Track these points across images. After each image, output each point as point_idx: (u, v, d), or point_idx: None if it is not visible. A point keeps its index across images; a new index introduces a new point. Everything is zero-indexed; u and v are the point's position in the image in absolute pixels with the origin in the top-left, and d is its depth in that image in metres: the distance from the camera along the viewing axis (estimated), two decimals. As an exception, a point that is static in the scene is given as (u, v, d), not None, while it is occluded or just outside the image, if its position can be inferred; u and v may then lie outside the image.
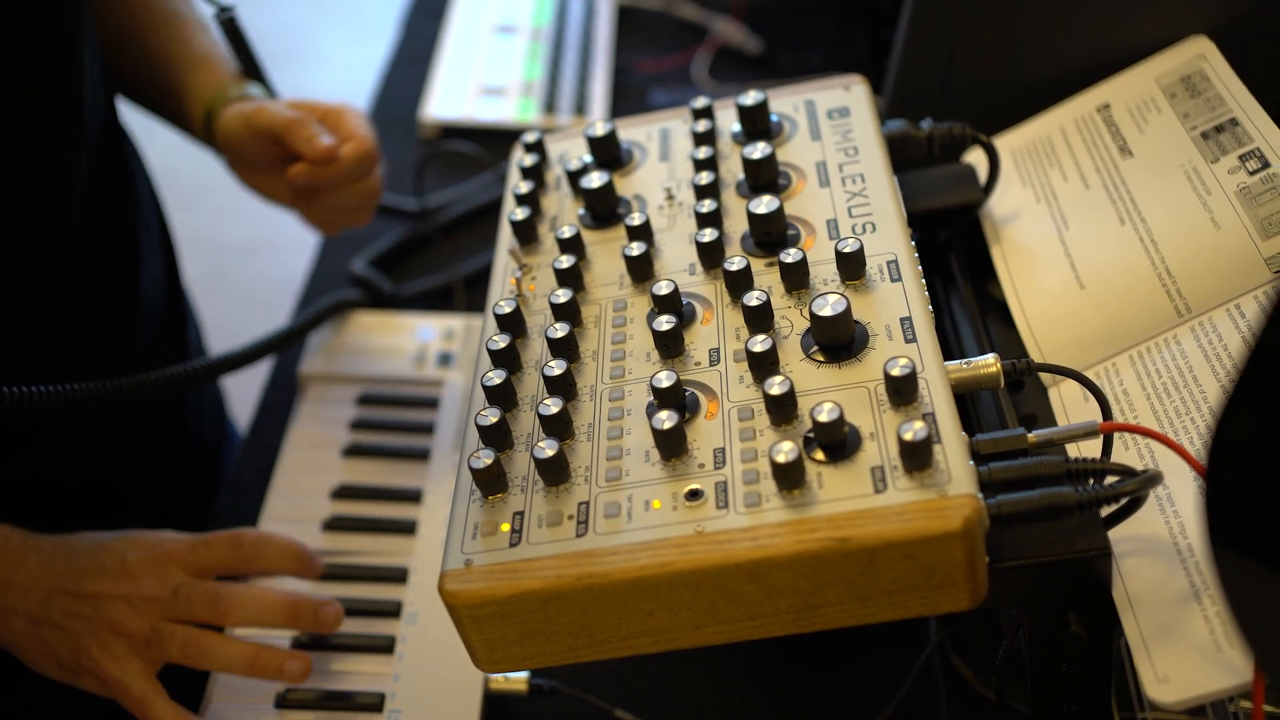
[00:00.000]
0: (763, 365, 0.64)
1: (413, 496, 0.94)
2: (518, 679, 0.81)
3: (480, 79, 1.39)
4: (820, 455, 0.60)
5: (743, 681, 0.85)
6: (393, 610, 0.86)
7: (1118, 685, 0.69)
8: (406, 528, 0.92)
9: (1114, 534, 0.62)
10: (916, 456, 0.57)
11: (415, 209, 1.20)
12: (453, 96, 1.36)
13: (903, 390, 0.60)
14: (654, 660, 0.85)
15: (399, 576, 0.88)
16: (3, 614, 0.78)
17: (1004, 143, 0.88)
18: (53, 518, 0.92)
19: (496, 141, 1.29)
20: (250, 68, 0.99)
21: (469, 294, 1.14)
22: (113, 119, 0.95)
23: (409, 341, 1.06)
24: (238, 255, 2.79)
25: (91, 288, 0.92)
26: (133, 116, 1.03)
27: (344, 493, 0.95)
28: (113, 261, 0.94)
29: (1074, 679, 0.65)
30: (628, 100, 1.38)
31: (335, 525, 0.93)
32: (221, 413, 1.20)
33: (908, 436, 0.57)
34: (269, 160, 0.94)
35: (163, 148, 1.03)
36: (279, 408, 1.06)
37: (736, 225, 0.75)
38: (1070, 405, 0.73)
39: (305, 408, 1.02)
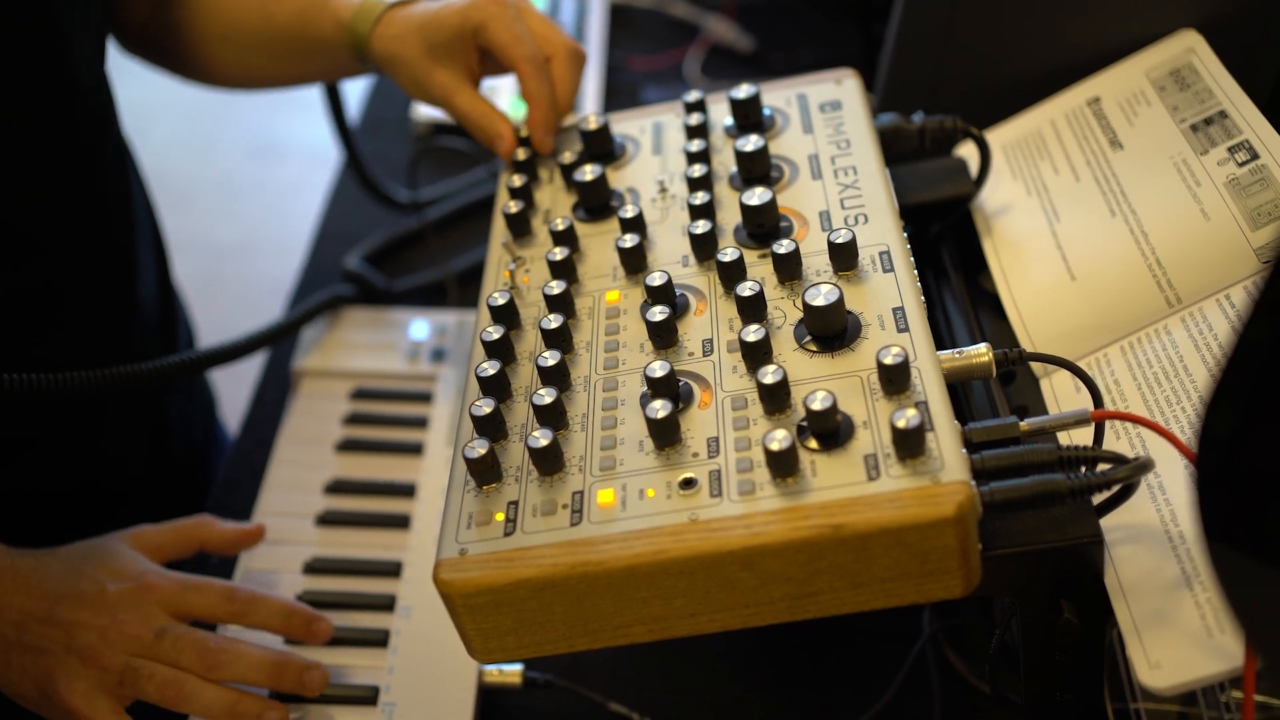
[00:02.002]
0: (756, 355, 0.65)
1: (406, 491, 0.94)
2: (512, 671, 0.82)
3: (473, 77, 1.39)
4: (814, 444, 0.60)
5: (737, 674, 0.85)
6: (386, 604, 0.86)
7: (1111, 676, 0.69)
8: (400, 522, 0.92)
9: (1106, 522, 0.62)
10: (909, 444, 0.58)
11: (406, 200, 1.19)
12: (445, 94, 1.36)
13: (895, 379, 0.61)
14: (648, 653, 0.85)
15: (393, 570, 0.88)
16: None
17: (995, 137, 0.88)
18: (37, 522, 0.92)
19: (489, 139, 1.29)
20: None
21: (462, 290, 1.14)
22: (111, 117, 0.94)
23: (402, 337, 1.06)
24: (230, 256, 2.79)
25: (86, 289, 0.91)
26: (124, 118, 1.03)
27: (337, 487, 0.95)
28: (107, 263, 0.94)
29: (1067, 668, 0.66)
30: (620, 97, 1.38)
31: (329, 520, 0.93)
32: (212, 417, 1.20)
33: (900, 424, 0.57)
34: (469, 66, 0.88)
35: (155, 150, 1.03)
36: (272, 404, 1.06)
37: (729, 218, 0.75)
38: (1062, 396, 0.73)
39: (298, 403, 1.02)
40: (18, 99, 0.81)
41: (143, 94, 0.95)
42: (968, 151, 0.88)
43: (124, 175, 0.95)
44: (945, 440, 0.58)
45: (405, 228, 1.20)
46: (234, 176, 3.04)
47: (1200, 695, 0.68)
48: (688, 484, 0.61)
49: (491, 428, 0.66)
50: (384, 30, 0.87)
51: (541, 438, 0.63)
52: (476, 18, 0.84)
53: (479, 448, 0.64)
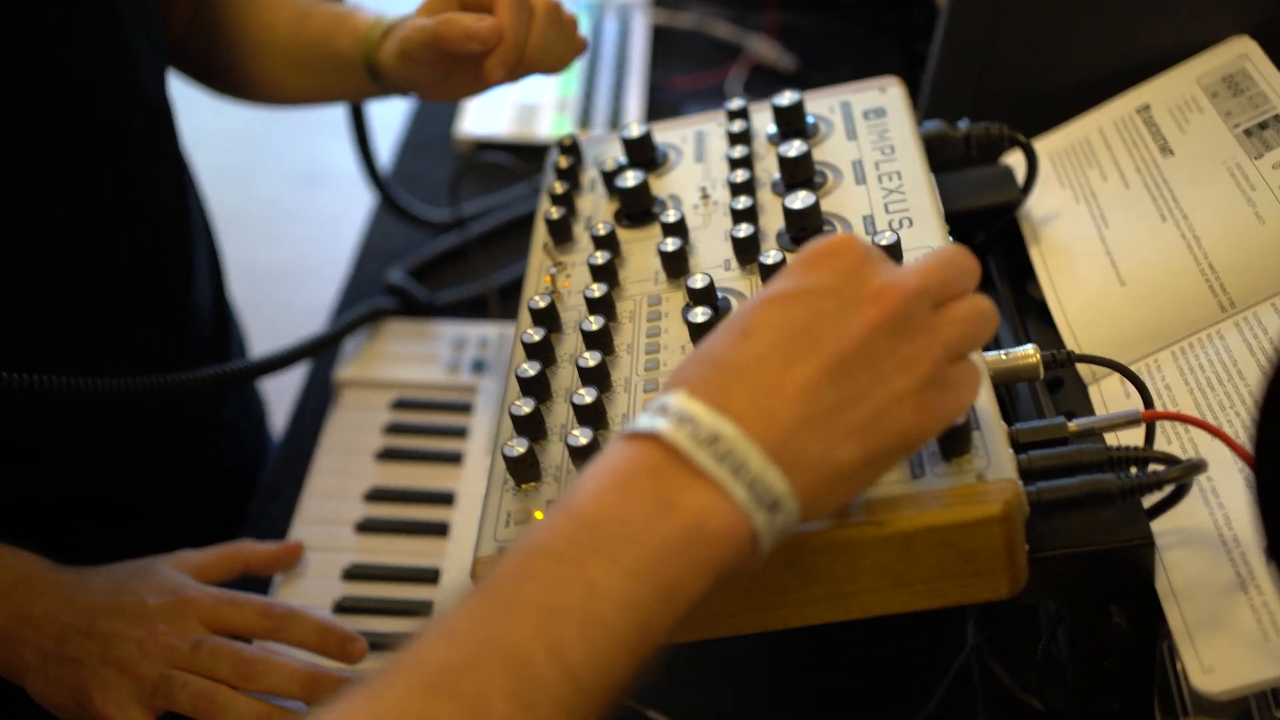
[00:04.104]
0: (799, 354, 0.64)
1: (445, 499, 0.94)
2: (550, 680, 0.81)
3: (516, 96, 1.40)
4: (857, 442, 0.59)
5: (775, 684, 0.84)
6: (425, 610, 0.86)
7: (1161, 689, 0.67)
8: (439, 530, 0.92)
9: (1156, 527, 0.61)
10: (955, 442, 0.57)
11: (448, 219, 1.20)
12: (488, 113, 1.37)
13: (941, 377, 0.60)
14: (686, 663, 0.84)
15: (431, 577, 0.88)
16: (16, 645, 0.77)
17: (1042, 146, 0.87)
18: (81, 528, 0.93)
19: (532, 157, 1.30)
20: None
21: (504, 303, 1.14)
22: (170, 128, 0.95)
23: (443, 348, 1.06)
24: (275, 282, 2.82)
25: (140, 297, 0.92)
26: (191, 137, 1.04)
27: (377, 495, 0.95)
28: (162, 271, 0.95)
29: (1116, 676, 0.64)
30: (662, 116, 1.38)
31: (368, 527, 0.93)
32: (263, 427, 1.20)
33: (946, 421, 0.56)
34: (452, 72, 0.88)
35: (201, 177, 1.03)
36: (314, 414, 1.06)
37: (772, 223, 0.75)
38: (1112, 402, 0.72)
39: (339, 413, 1.02)
40: (89, 107, 0.83)
41: (189, 122, 0.95)
42: (1014, 161, 0.87)
43: (181, 185, 0.96)
44: (992, 439, 0.57)
45: (448, 243, 1.21)
46: (279, 203, 3.08)
47: (1255, 710, 0.66)
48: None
49: (531, 427, 0.66)
50: (391, 37, 0.87)
51: (582, 437, 0.62)
52: None
53: (518, 447, 0.64)
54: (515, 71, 0.84)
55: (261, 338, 2.01)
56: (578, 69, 1.44)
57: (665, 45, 1.51)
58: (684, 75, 1.45)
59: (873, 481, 0.52)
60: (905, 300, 0.52)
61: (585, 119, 1.37)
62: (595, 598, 0.46)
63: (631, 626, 0.46)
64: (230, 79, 1.01)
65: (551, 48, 0.85)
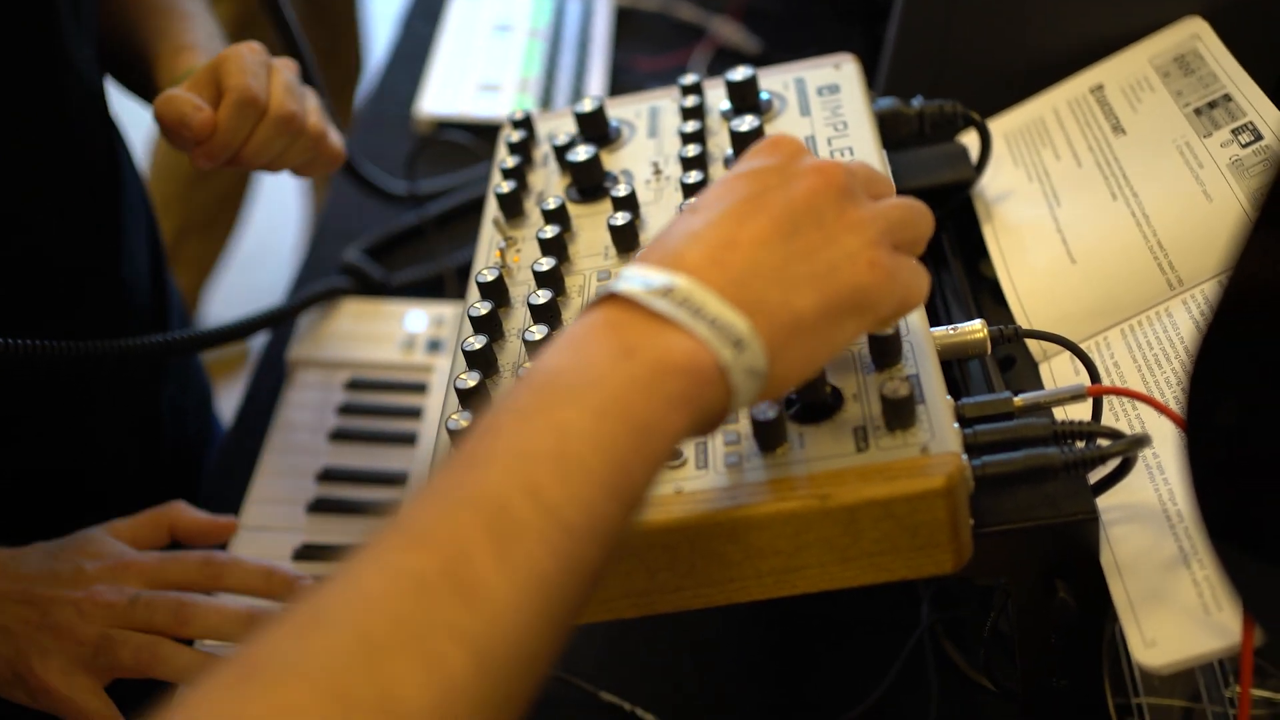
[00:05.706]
0: (746, 328, 0.63)
1: (399, 480, 0.93)
2: (500, 660, 0.80)
3: (477, 76, 1.39)
4: (802, 416, 0.59)
5: (730, 663, 0.83)
6: (375, 590, 0.85)
7: (1113, 670, 0.67)
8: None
9: (1103, 502, 0.61)
10: (899, 415, 0.56)
11: (404, 193, 1.18)
12: (448, 92, 1.36)
13: (886, 351, 0.59)
14: (639, 642, 0.83)
15: (382, 558, 0.87)
16: None
17: (997, 126, 0.87)
18: (24, 509, 0.91)
19: (492, 136, 1.28)
20: (289, 42, 0.95)
21: (460, 283, 1.13)
22: (102, 102, 0.94)
23: (398, 328, 1.05)
24: (234, 267, 2.79)
25: (75, 267, 0.90)
26: (131, 118, 1.02)
27: (330, 475, 0.94)
28: (96, 242, 0.93)
29: (1062, 652, 0.64)
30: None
31: (320, 507, 0.92)
32: (207, 409, 1.18)
33: (889, 394, 0.56)
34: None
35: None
36: (267, 394, 1.05)
37: (724, 198, 0.74)
38: (1062, 380, 0.72)
39: (293, 393, 1.01)
40: (14, 78, 0.81)
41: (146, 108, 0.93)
42: (969, 140, 0.86)
43: (112, 149, 0.94)
44: (936, 412, 0.57)
45: (405, 223, 1.20)
46: (245, 187, 3.04)
47: (1204, 690, 0.66)
48: (673, 456, 0.59)
49: (476, 402, 0.65)
50: None
51: (527, 410, 0.62)
52: (223, 54, 0.82)
53: (462, 421, 0.63)
54: (230, 164, 0.83)
55: (220, 321, 1.99)
56: (540, 50, 1.43)
57: (629, 26, 1.50)
58: (647, 57, 1.44)
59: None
60: (844, 173, 0.55)
61: (547, 99, 1.36)
62: (567, 438, 0.46)
63: (608, 464, 0.46)
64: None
65: (281, 154, 0.84)
